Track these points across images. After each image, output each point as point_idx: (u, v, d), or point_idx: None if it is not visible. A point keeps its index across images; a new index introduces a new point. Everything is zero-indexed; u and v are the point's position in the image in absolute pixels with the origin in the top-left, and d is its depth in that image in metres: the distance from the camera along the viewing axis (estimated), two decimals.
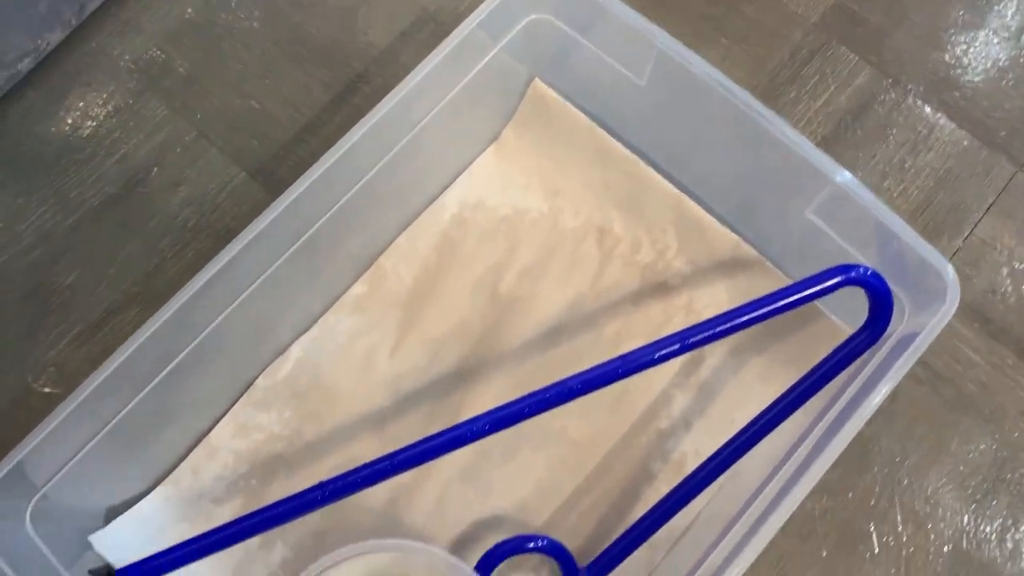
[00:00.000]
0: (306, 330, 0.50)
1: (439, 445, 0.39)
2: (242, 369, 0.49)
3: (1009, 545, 0.47)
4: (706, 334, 0.40)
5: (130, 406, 0.42)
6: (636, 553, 0.45)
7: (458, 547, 0.46)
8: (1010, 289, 0.52)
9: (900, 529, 0.48)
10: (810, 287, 0.41)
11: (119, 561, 0.42)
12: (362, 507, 0.47)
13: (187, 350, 0.43)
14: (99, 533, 0.44)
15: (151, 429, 0.45)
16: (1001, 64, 0.57)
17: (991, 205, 0.54)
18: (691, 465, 0.46)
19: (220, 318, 0.44)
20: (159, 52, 0.57)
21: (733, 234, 0.50)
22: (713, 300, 0.50)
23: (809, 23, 0.58)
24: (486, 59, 0.48)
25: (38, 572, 0.38)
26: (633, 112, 0.50)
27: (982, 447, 0.49)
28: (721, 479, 0.44)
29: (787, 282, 0.48)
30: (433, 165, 0.52)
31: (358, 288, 0.51)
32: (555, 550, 0.45)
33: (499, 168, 0.53)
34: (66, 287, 0.52)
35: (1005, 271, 0.52)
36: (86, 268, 0.52)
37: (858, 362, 0.43)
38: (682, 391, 0.49)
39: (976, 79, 0.57)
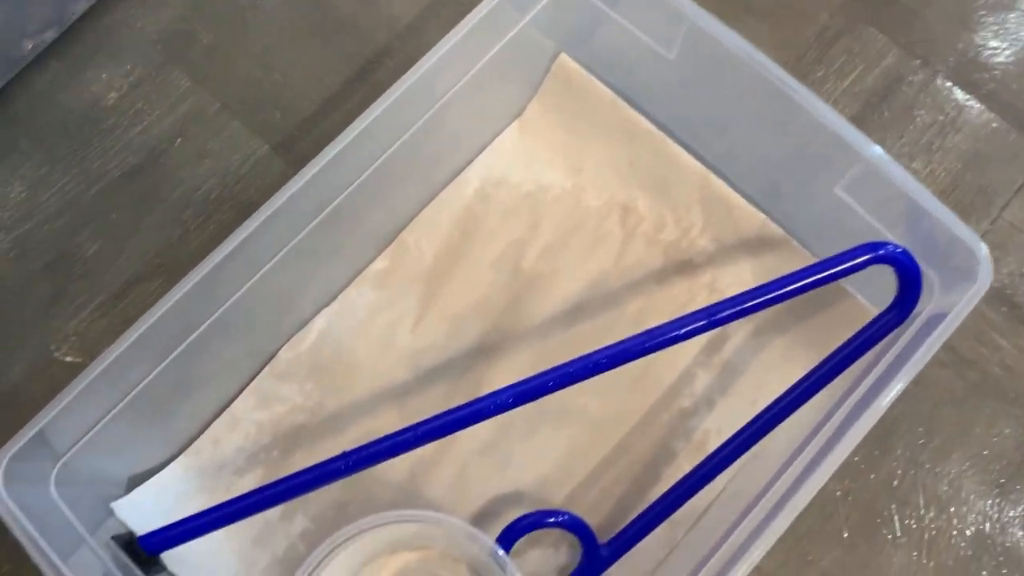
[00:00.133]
0: (328, 304, 0.50)
1: (462, 417, 0.39)
2: (264, 341, 0.49)
3: None
4: (734, 310, 0.39)
5: (152, 376, 0.42)
6: (657, 530, 0.45)
7: (478, 521, 0.46)
8: None
9: (922, 512, 0.47)
10: (839, 264, 0.40)
11: (140, 528, 0.42)
12: (382, 480, 0.47)
13: (209, 321, 0.43)
14: (121, 501, 0.44)
15: (173, 399, 0.45)
16: None
17: (1020, 188, 0.53)
18: (713, 444, 0.46)
19: (242, 290, 0.43)
20: (183, 23, 0.57)
21: (760, 212, 0.49)
22: (737, 279, 0.50)
23: (836, 3, 0.57)
24: (512, 33, 0.47)
25: (62, 535, 0.38)
26: (660, 86, 0.49)
27: (1007, 431, 0.49)
28: (743, 459, 0.44)
29: (814, 261, 0.47)
30: (456, 140, 0.51)
31: (380, 263, 0.51)
32: (575, 525, 0.44)
33: (523, 144, 0.53)
34: (89, 257, 0.52)
35: None
36: (108, 238, 0.52)
37: (883, 342, 0.43)
38: (704, 370, 0.49)
39: (1007, 61, 0.56)
